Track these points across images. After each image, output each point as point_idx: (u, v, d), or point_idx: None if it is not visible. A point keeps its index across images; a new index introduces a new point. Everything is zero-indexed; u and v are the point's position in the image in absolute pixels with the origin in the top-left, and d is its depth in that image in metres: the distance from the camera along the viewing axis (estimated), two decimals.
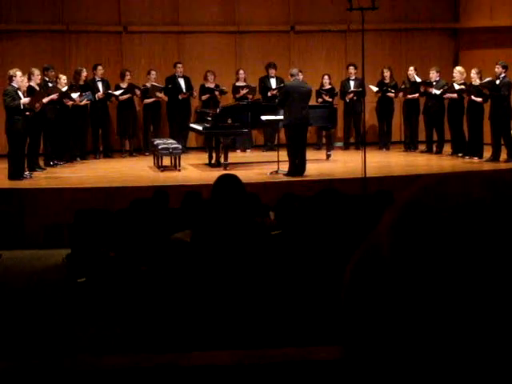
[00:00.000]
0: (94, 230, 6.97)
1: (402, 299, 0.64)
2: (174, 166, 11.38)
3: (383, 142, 14.18)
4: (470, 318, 0.62)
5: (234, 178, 4.21)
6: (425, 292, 0.63)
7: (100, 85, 13.42)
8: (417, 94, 13.50)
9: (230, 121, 11.14)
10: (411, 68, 13.80)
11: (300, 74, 11.07)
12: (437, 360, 0.63)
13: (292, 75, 10.68)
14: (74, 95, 12.24)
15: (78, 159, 12.71)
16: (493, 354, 0.61)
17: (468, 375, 0.62)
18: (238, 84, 14.09)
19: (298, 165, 10.36)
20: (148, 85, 13.73)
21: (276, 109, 11.40)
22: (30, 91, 10.95)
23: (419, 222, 0.65)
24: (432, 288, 0.63)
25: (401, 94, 13.81)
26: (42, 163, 11.65)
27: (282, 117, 10.87)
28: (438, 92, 12.87)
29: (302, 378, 2.06)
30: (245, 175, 7.95)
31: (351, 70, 14.17)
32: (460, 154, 12.52)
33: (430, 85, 13.10)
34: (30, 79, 11.17)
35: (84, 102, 12.64)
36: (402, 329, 0.64)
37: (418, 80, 13.45)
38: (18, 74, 10.57)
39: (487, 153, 12.03)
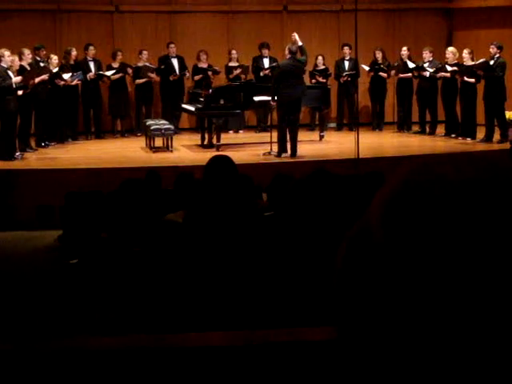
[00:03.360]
0: (85, 211, 6.95)
1: (395, 282, 0.64)
2: (167, 147, 11.34)
3: (376, 122, 14.17)
4: (465, 303, 0.62)
5: (227, 159, 4.19)
6: (418, 275, 0.63)
7: (92, 65, 13.34)
8: (410, 74, 13.46)
9: (222, 101, 11.10)
10: (404, 48, 13.73)
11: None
12: (429, 344, 0.63)
13: (291, 52, 10.52)
14: (66, 76, 12.17)
15: (70, 140, 12.67)
16: (482, 335, 0.62)
17: (456, 358, 0.62)
18: (230, 64, 14.02)
19: (289, 145, 10.35)
20: (140, 65, 13.65)
21: (269, 89, 11.36)
22: (21, 71, 10.88)
23: (410, 205, 0.65)
24: (425, 271, 0.63)
25: (393, 72, 13.76)
26: (33, 144, 11.60)
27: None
28: (431, 70, 12.82)
29: (294, 359, 2.06)
30: (237, 156, 7.92)
31: (346, 50, 14.09)
32: (453, 135, 12.53)
33: (423, 69, 13.05)
34: (20, 59, 11.10)
35: (75, 82, 12.57)
36: (393, 312, 0.64)
37: (411, 65, 13.35)
38: (6, 53, 10.49)
39: (480, 134, 12.03)
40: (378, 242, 0.66)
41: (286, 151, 10.28)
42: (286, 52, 10.65)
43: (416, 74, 13.26)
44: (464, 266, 0.62)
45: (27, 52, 11.43)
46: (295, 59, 10.56)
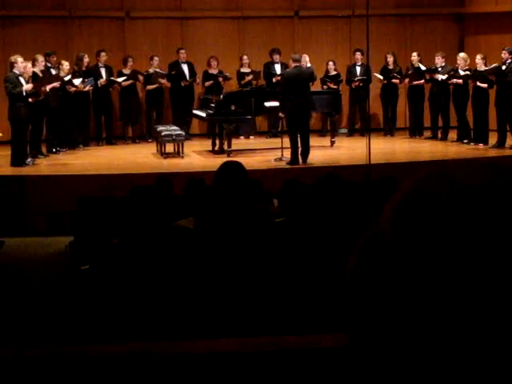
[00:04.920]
0: (97, 217, 6.96)
1: (405, 284, 0.64)
2: (177, 153, 11.37)
3: (388, 128, 14.15)
4: (472, 303, 0.62)
5: (238, 164, 4.18)
6: (426, 277, 0.63)
7: (103, 71, 13.39)
8: (422, 81, 13.44)
9: (233, 107, 11.11)
10: (414, 54, 13.72)
11: (306, 58, 11.00)
12: (440, 347, 0.63)
13: (294, 60, 10.57)
14: (77, 81, 12.22)
15: (81, 146, 12.72)
16: (488, 333, 0.62)
17: (468, 360, 0.62)
18: (242, 70, 14.04)
19: (300, 153, 10.32)
20: (151, 71, 13.70)
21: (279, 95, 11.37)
22: (33, 77, 10.93)
23: (420, 208, 0.66)
24: (433, 273, 0.63)
25: (406, 81, 13.76)
26: (44, 150, 11.65)
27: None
28: (444, 77, 12.80)
29: (305, 366, 2.05)
30: (248, 162, 7.93)
31: (358, 55, 14.09)
32: (465, 141, 12.48)
33: (435, 71, 13.03)
34: (34, 65, 11.15)
35: (87, 88, 12.63)
36: (405, 314, 0.64)
37: (423, 68, 13.36)
38: (19, 60, 10.55)
39: (493, 139, 11.98)
40: (389, 245, 0.66)
41: (298, 163, 10.23)
42: (290, 62, 10.69)
43: (428, 77, 13.23)
44: (466, 267, 0.62)
45: (41, 59, 11.49)
46: (300, 67, 10.59)
